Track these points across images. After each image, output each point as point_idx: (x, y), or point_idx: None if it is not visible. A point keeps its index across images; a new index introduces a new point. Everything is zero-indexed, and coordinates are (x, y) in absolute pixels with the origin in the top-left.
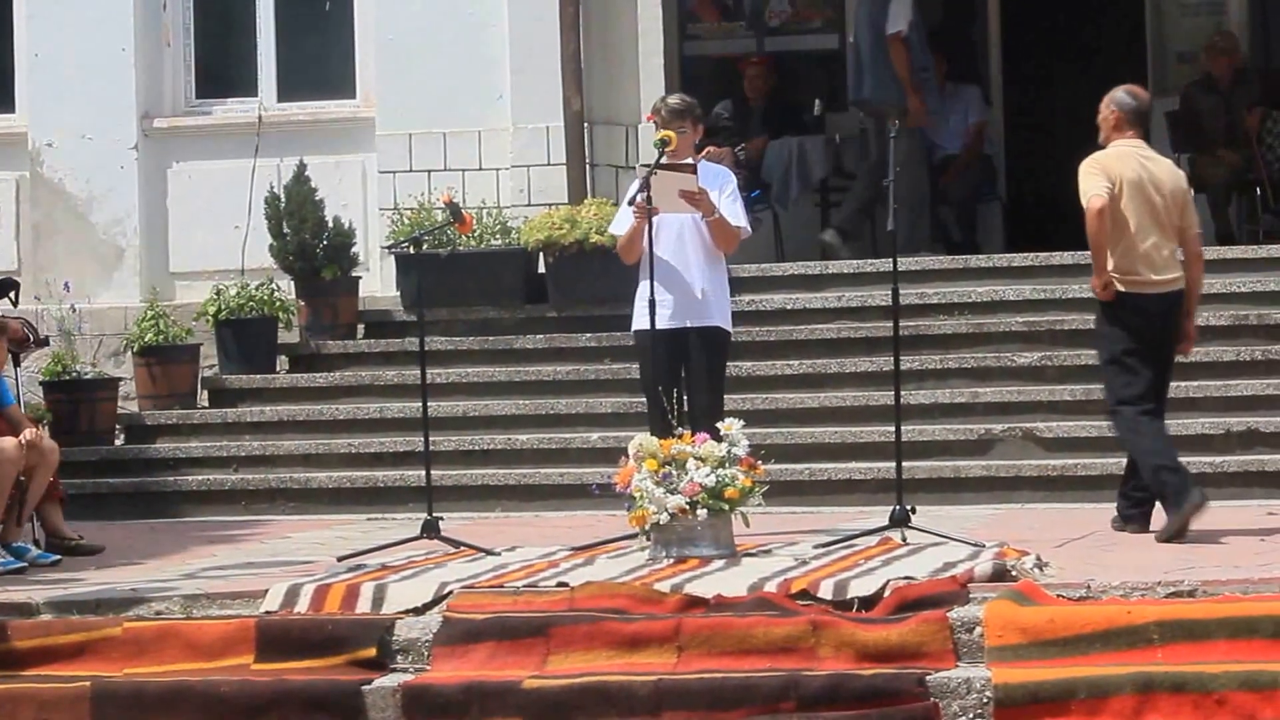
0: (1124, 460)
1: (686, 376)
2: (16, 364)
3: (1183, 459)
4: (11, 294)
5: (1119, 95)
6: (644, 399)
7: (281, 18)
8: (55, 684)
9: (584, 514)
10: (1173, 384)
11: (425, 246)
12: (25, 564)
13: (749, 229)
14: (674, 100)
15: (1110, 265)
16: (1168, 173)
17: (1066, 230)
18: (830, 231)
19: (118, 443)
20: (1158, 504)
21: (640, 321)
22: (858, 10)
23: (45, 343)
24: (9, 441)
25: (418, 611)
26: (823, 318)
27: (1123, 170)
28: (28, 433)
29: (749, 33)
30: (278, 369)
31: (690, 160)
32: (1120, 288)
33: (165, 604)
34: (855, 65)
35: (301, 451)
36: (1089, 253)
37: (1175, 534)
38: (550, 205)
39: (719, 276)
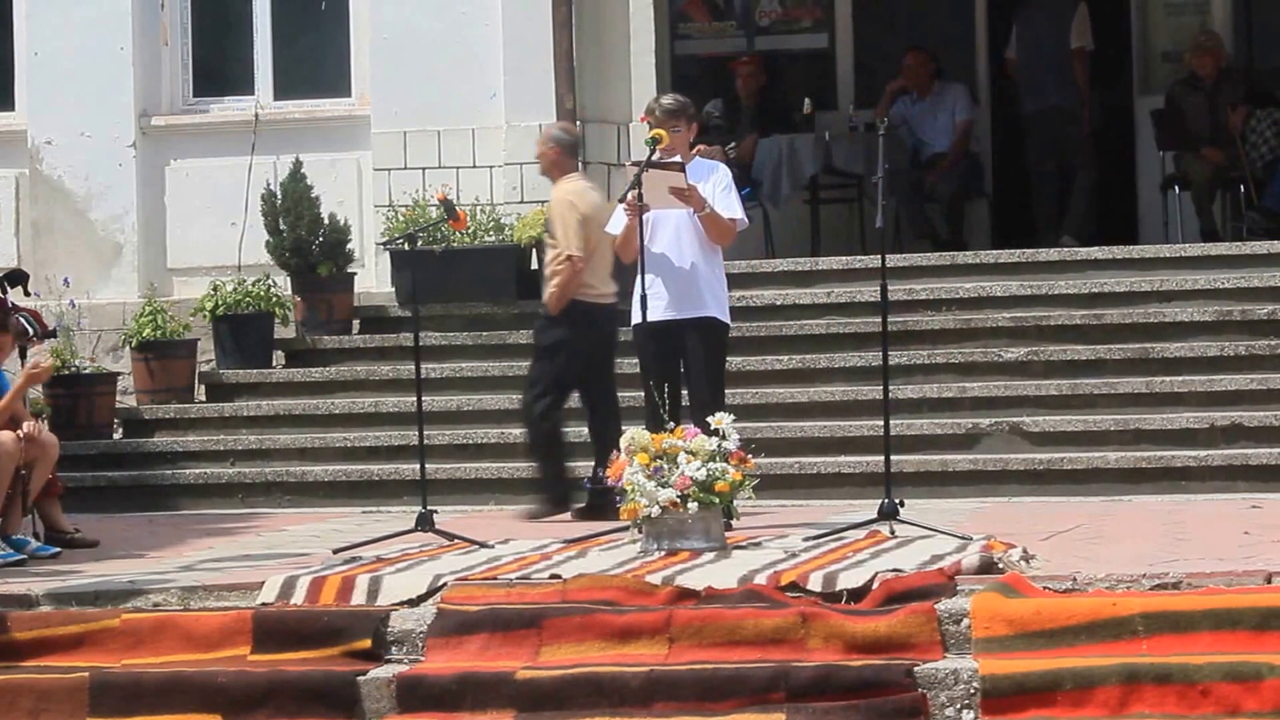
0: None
1: (685, 370)
2: (23, 357)
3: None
4: (22, 285)
5: (555, 132)
6: (639, 393)
7: (278, 17)
8: (54, 675)
9: (577, 507)
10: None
11: (420, 243)
12: (24, 556)
13: (745, 220)
14: (668, 100)
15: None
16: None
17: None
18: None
19: (116, 437)
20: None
21: (636, 316)
22: (1024, 26)
23: (53, 335)
24: (7, 435)
25: (412, 603)
26: (812, 313)
27: (590, 199)
28: (27, 425)
29: (739, 32)
30: (274, 364)
31: (679, 159)
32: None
33: (163, 596)
34: (1028, 79)
35: (297, 445)
36: (1075, 249)
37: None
38: (543, 202)
39: (715, 270)
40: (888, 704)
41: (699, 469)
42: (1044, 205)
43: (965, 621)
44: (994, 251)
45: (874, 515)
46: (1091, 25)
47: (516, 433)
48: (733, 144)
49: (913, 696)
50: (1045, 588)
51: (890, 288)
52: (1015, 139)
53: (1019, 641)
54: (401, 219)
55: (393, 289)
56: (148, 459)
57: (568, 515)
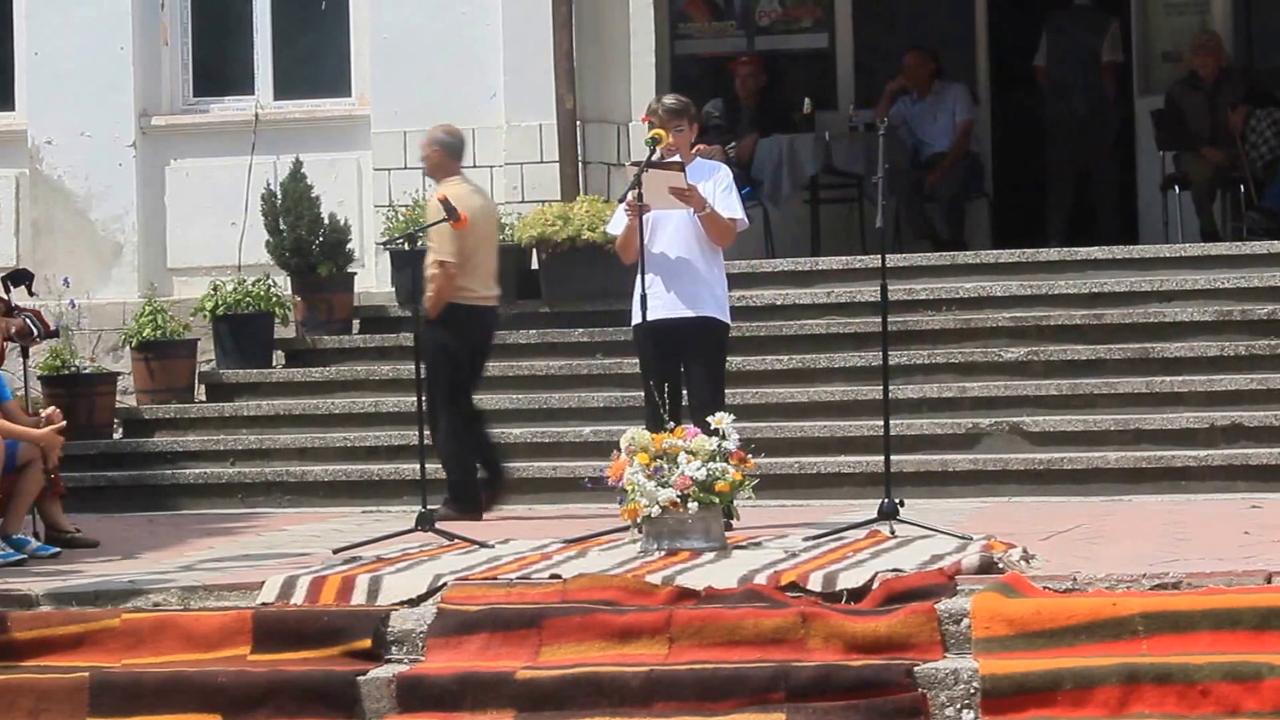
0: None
1: (685, 370)
2: (25, 357)
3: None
4: (25, 285)
5: (439, 134)
6: (639, 393)
7: (278, 17)
8: (54, 675)
9: (577, 507)
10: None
11: (420, 243)
12: (25, 556)
13: (745, 220)
14: (670, 100)
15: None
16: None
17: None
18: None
19: (116, 437)
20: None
21: (637, 316)
22: (1055, 35)
23: (55, 335)
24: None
25: (412, 603)
26: (812, 313)
27: (471, 202)
28: (49, 413)
29: (739, 32)
30: (274, 364)
31: (679, 159)
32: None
33: (163, 596)
34: (1057, 87)
35: (297, 445)
36: (1075, 249)
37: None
38: (543, 202)
39: (716, 270)
40: (888, 704)
41: (699, 469)
42: (1060, 210)
43: (965, 621)
44: (994, 251)
45: (874, 515)
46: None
47: (516, 432)
48: (733, 144)
49: (913, 696)
50: (1045, 588)
51: (890, 288)
52: (1015, 139)
53: (1019, 641)
54: (401, 219)
55: (393, 289)
56: (148, 459)
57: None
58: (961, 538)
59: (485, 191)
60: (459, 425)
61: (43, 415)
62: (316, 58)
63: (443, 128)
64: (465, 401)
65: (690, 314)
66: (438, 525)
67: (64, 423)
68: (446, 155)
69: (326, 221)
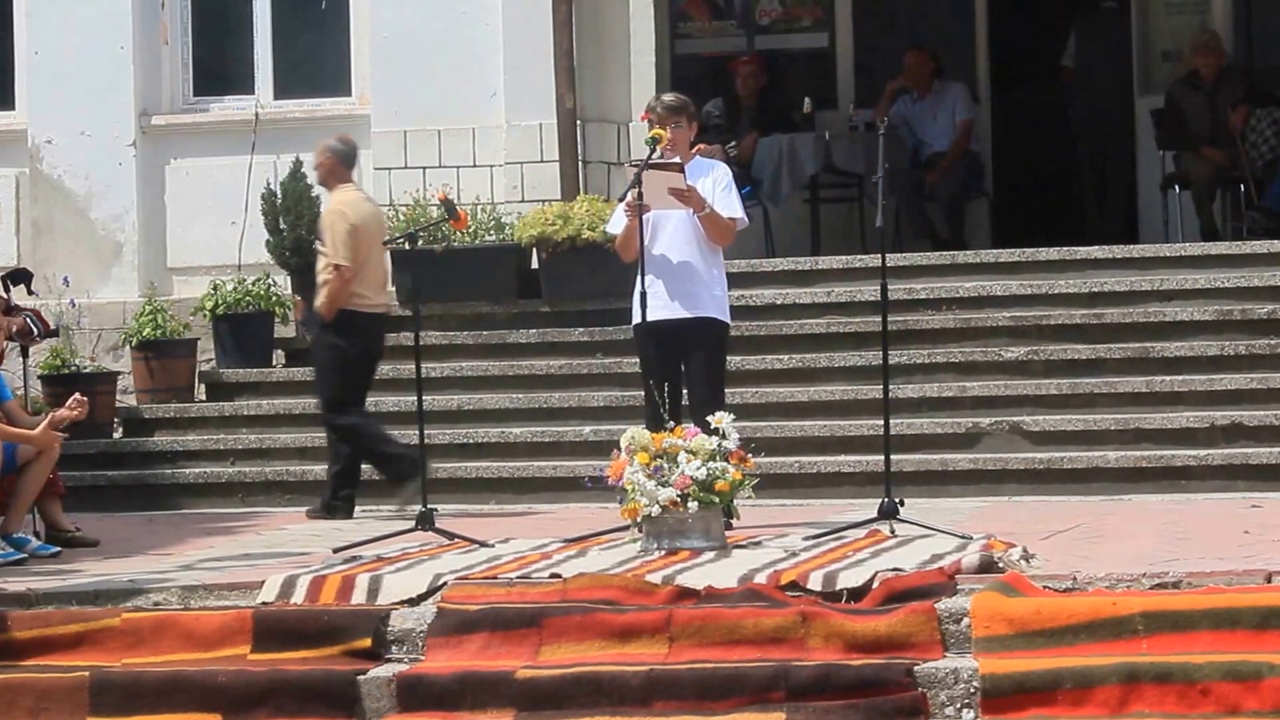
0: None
1: (685, 370)
2: (25, 356)
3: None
4: (25, 284)
5: (332, 143)
6: (639, 392)
7: (278, 17)
8: (54, 674)
9: (576, 506)
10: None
11: (420, 242)
12: (25, 555)
13: (745, 219)
14: (669, 99)
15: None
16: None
17: (1053, 226)
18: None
19: (116, 436)
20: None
21: (637, 316)
22: (1083, 36)
23: (55, 334)
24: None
25: (412, 602)
26: (812, 313)
27: (361, 209)
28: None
29: (739, 32)
30: (274, 363)
31: (678, 159)
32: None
33: (163, 595)
34: (1086, 84)
35: (298, 445)
36: (1075, 249)
37: None
38: (543, 202)
39: (716, 270)
40: (888, 703)
41: (699, 468)
42: (1089, 202)
43: (965, 621)
44: (994, 251)
45: (874, 514)
46: (1092, 22)
47: (517, 431)
48: (733, 143)
49: (913, 696)
50: (1045, 587)
51: (890, 287)
52: (1016, 139)
53: (1019, 641)
54: (402, 218)
55: (393, 288)
56: (148, 458)
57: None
58: (961, 537)
59: (374, 199)
60: (363, 427)
61: (53, 416)
62: (317, 57)
63: (336, 136)
64: (357, 406)
65: (689, 314)
66: (437, 526)
67: (79, 410)
68: (340, 163)
69: None
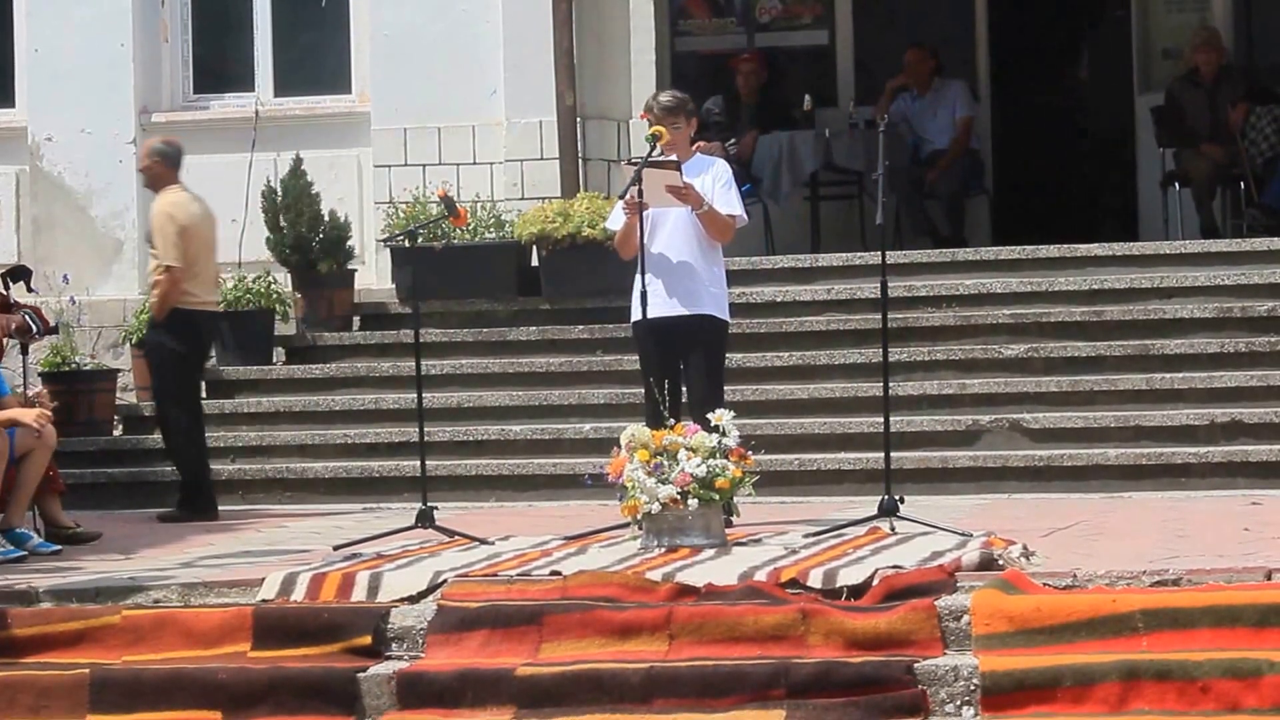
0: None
1: (684, 367)
2: (25, 353)
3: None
4: (24, 281)
5: (157, 145)
6: (639, 389)
7: (278, 14)
8: (54, 671)
9: (576, 504)
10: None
11: (420, 240)
12: (25, 553)
13: (745, 217)
14: (665, 98)
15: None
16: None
17: (1052, 224)
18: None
19: (116, 433)
20: None
21: (637, 313)
22: None
23: (55, 331)
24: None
25: (412, 600)
26: (812, 310)
27: (191, 210)
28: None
29: (740, 29)
30: (274, 361)
31: (675, 157)
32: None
33: (163, 592)
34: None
35: (298, 442)
36: (1075, 246)
37: None
38: (543, 199)
39: (715, 267)
40: (888, 700)
41: (699, 466)
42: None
43: (965, 618)
44: (994, 248)
45: (874, 512)
46: (1090, 21)
47: (517, 429)
48: (733, 141)
49: (913, 693)
50: (1045, 584)
51: (890, 284)
52: (1016, 136)
53: (1019, 638)
54: (402, 216)
55: (393, 285)
56: (148, 455)
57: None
58: (962, 534)
59: (203, 200)
60: (190, 426)
61: (30, 395)
62: (317, 55)
63: (161, 139)
64: (196, 403)
65: (688, 311)
66: (437, 524)
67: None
68: (166, 165)
69: (327, 218)
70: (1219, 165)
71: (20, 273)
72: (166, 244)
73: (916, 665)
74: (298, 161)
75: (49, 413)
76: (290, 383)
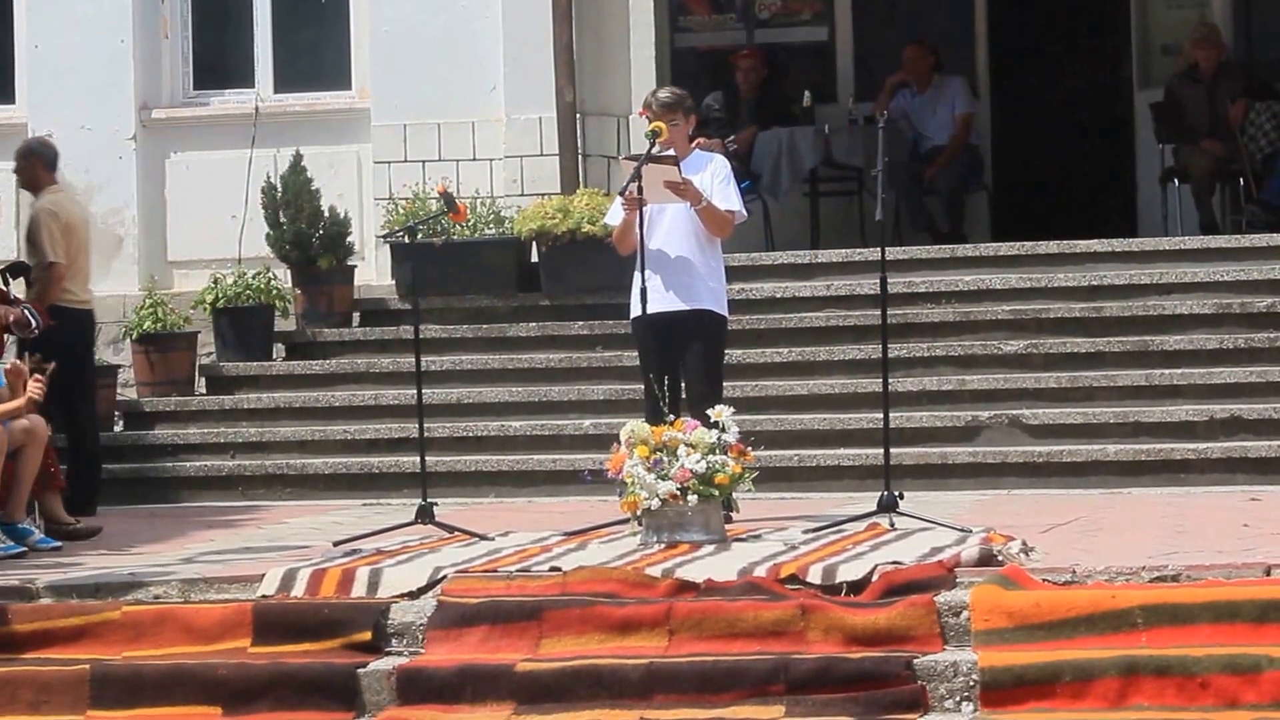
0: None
1: (684, 363)
2: (23, 351)
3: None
4: (24, 277)
5: (34, 145)
6: (638, 385)
7: (278, 10)
8: (55, 666)
9: (576, 500)
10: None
11: (420, 236)
12: (25, 548)
13: (744, 212)
14: (664, 94)
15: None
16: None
17: (1052, 220)
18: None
19: (116, 429)
20: None
21: (636, 309)
22: None
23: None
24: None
25: (412, 595)
26: (812, 306)
27: (71, 209)
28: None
29: (739, 25)
30: (274, 356)
31: (673, 153)
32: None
33: (163, 588)
34: None
35: (298, 438)
36: (1074, 242)
37: None
38: (543, 195)
39: (714, 263)
40: (887, 696)
41: (698, 462)
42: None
43: (965, 614)
44: (993, 244)
45: (873, 508)
46: (1091, 19)
47: (516, 425)
48: (732, 137)
49: (912, 688)
50: (1045, 580)
51: (890, 280)
52: (1015, 133)
53: (1018, 634)
54: (402, 212)
55: (393, 282)
56: (148, 451)
57: None
58: (961, 530)
59: (81, 200)
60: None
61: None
62: (316, 51)
63: (37, 139)
64: (83, 401)
65: (686, 307)
66: (437, 519)
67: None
68: (42, 166)
69: (326, 214)
70: (1218, 161)
71: (20, 269)
72: (52, 242)
73: (916, 661)
74: (297, 157)
75: (40, 384)
76: (290, 379)
